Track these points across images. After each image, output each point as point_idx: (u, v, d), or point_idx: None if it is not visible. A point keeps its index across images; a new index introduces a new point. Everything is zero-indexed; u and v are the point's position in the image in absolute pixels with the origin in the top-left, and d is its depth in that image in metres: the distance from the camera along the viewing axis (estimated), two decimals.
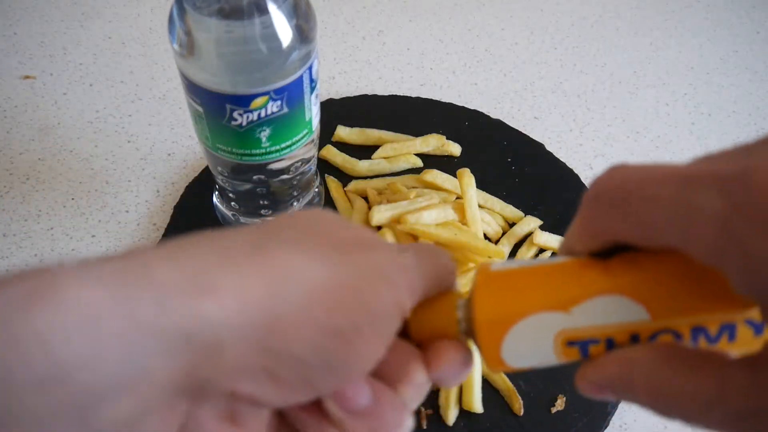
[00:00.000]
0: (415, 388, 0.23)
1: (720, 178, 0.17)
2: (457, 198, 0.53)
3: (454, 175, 0.53)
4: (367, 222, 0.51)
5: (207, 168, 0.56)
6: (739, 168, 0.16)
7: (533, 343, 0.22)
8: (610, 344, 0.21)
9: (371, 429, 0.22)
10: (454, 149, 0.58)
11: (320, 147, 0.56)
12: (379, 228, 0.51)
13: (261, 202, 0.47)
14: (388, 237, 0.48)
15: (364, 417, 0.22)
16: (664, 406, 0.19)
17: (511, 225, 0.54)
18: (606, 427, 0.45)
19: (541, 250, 0.53)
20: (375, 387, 0.22)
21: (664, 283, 0.20)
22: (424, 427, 0.44)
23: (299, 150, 0.43)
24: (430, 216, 0.48)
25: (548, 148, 0.60)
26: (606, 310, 0.21)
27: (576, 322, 0.21)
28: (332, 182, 0.55)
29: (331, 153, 0.57)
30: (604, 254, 0.21)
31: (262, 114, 0.38)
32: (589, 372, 0.21)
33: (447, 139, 0.58)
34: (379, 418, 0.22)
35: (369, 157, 0.57)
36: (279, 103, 0.38)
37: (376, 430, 0.22)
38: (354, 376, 0.22)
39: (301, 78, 0.38)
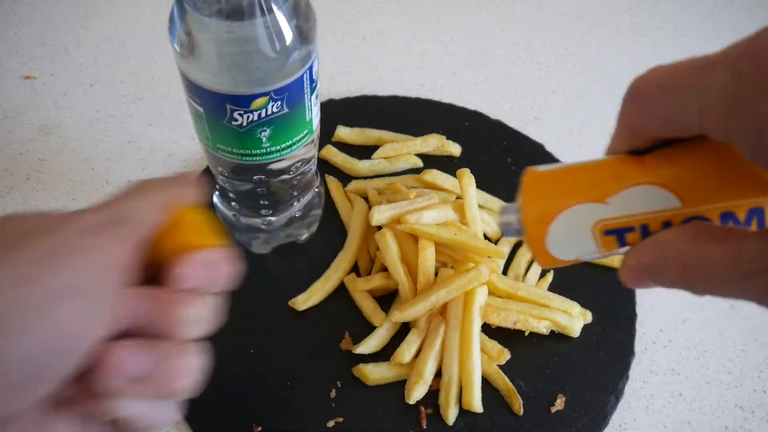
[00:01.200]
0: (189, 325, 0.23)
1: (730, 57, 0.18)
2: (457, 198, 0.53)
3: (454, 175, 0.53)
4: (367, 222, 0.51)
5: (207, 168, 0.57)
6: (747, 45, 0.18)
7: (574, 233, 0.24)
8: (645, 231, 0.22)
9: (157, 387, 0.22)
10: (454, 149, 0.58)
11: (320, 147, 0.56)
12: (379, 228, 0.51)
13: (261, 202, 0.47)
14: (388, 237, 0.48)
15: (144, 380, 0.21)
16: (692, 279, 0.20)
17: None
18: (606, 427, 0.45)
19: None
20: (141, 350, 0.21)
21: (694, 172, 0.21)
22: (424, 427, 0.44)
23: (299, 150, 0.43)
24: (430, 216, 0.48)
25: (548, 148, 0.60)
26: (640, 200, 0.22)
27: (612, 211, 0.22)
28: (332, 182, 0.56)
29: (331, 153, 0.57)
30: (642, 152, 0.22)
31: (263, 114, 0.38)
32: (629, 258, 0.23)
33: (447, 139, 0.58)
34: (163, 375, 0.22)
35: (369, 157, 0.57)
36: (279, 103, 0.38)
37: (163, 387, 0.22)
38: (50, 384, 0.20)
39: (301, 78, 0.38)
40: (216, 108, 0.38)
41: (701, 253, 0.20)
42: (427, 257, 0.47)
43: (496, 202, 0.55)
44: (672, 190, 0.21)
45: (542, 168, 0.25)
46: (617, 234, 0.23)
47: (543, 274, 0.52)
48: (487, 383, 0.46)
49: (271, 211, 0.48)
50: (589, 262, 0.24)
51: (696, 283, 0.21)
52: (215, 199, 0.51)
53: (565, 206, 0.24)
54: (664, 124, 0.21)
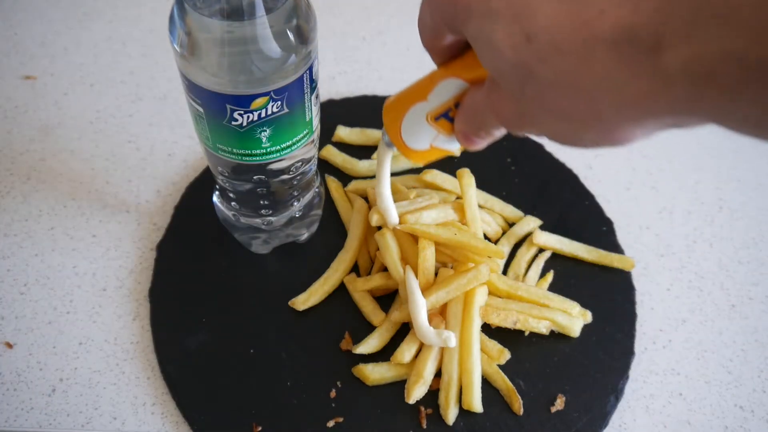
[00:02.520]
0: None
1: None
2: (457, 198, 0.53)
3: (454, 175, 0.53)
4: (367, 222, 0.51)
5: (207, 168, 0.57)
6: None
7: (417, 126, 0.35)
8: (457, 106, 0.33)
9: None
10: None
11: (320, 147, 0.56)
12: (378, 228, 0.51)
13: (261, 202, 0.47)
14: (388, 237, 0.48)
15: None
16: (482, 121, 0.31)
17: (511, 225, 0.54)
18: (606, 427, 0.45)
19: (541, 250, 0.53)
20: None
21: (470, 62, 0.31)
22: (424, 427, 0.44)
23: (299, 150, 0.43)
24: (430, 216, 0.48)
25: (548, 148, 0.60)
26: (446, 90, 0.32)
27: (433, 103, 0.33)
28: (332, 182, 0.56)
29: (331, 153, 0.57)
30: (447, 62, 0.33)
31: (263, 114, 0.38)
32: (455, 125, 0.33)
33: None
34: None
35: (369, 157, 0.57)
36: (279, 103, 0.38)
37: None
38: None
39: (301, 78, 0.38)
40: (216, 108, 0.38)
41: (472, 101, 0.31)
42: (427, 257, 0.47)
43: (496, 202, 0.55)
44: (461, 77, 0.31)
45: (392, 96, 0.37)
46: (444, 116, 0.33)
47: (543, 274, 0.52)
48: (487, 383, 0.46)
49: (271, 211, 0.48)
50: (447, 154, 0.38)
51: (486, 123, 0.30)
52: (215, 199, 0.51)
53: (404, 111, 0.35)
54: (434, 34, 0.30)
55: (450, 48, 0.31)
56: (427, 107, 0.33)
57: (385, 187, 0.46)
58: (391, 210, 0.47)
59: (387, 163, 0.44)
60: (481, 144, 0.33)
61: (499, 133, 0.31)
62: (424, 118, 0.34)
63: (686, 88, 0.21)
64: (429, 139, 0.35)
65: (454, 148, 0.36)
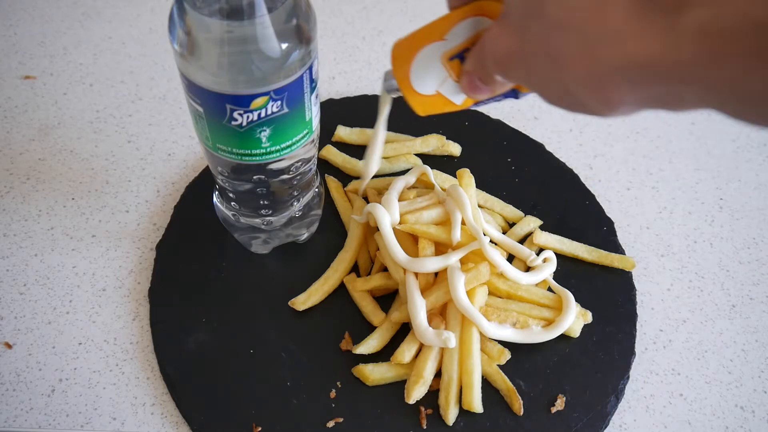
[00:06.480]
0: None
1: None
2: None
3: (454, 175, 0.53)
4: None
5: (207, 168, 0.57)
6: None
7: (429, 67, 0.33)
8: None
9: None
10: (454, 149, 0.58)
11: (320, 147, 0.56)
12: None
13: (261, 202, 0.47)
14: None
15: None
16: (484, 60, 0.30)
17: (511, 225, 0.54)
18: (606, 427, 0.45)
19: (541, 250, 0.53)
20: None
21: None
22: (424, 427, 0.44)
23: (299, 150, 0.43)
24: (429, 216, 0.48)
25: (548, 148, 0.60)
26: (466, 28, 0.32)
27: (450, 44, 0.32)
28: (332, 182, 0.56)
29: (331, 153, 0.57)
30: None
31: (263, 114, 0.38)
32: (464, 65, 0.32)
33: (447, 139, 0.58)
34: None
35: None
36: (279, 103, 0.38)
37: None
38: None
39: (301, 78, 0.38)
40: (216, 108, 0.38)
41: (485, 35, 0.29)
42: (427, 257, 0.47)
43: (496, 202, 0.55)
44: (482, 14, 0.31)
45: (402, 37, 0.34)
46: (458, 56, 0.32)
47: None
48: (487, 383, 0.46)
49: (271, 211, 0.48)
50: (451, 99, 0.35)
51: (489, 60, 0.29)
52: (215, 199, 0.51)
53: (418, 49, 0.33)
54: None
55: None
56: (443, 47, 0.32)
57: (379, 138, 0.44)
58: (374, 163, 0.46)
59: (386, 111, 0.41)
60: (482, 91, 0.32)
61: (500, 81, 0.31)
62: (438, 58, 0.33)
63: (697, 49, 0.21)
64: (436, 84, 0.34)
65: (459, 101, 0.35)
